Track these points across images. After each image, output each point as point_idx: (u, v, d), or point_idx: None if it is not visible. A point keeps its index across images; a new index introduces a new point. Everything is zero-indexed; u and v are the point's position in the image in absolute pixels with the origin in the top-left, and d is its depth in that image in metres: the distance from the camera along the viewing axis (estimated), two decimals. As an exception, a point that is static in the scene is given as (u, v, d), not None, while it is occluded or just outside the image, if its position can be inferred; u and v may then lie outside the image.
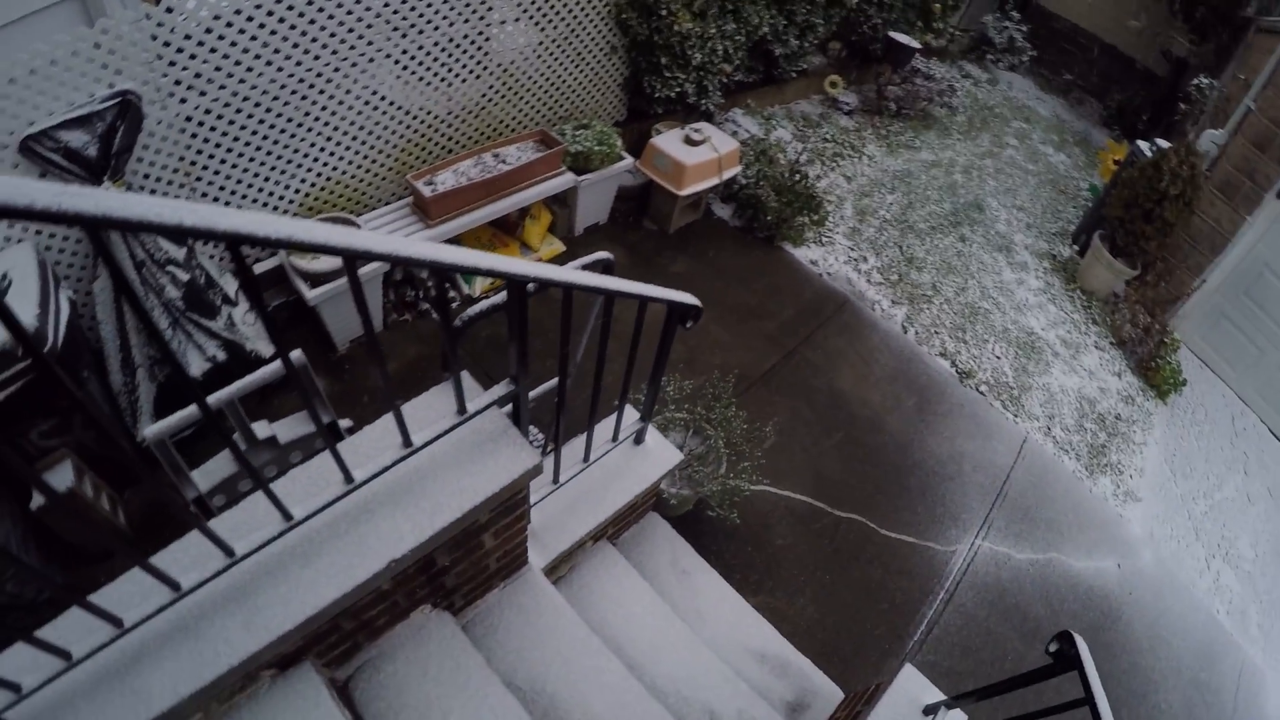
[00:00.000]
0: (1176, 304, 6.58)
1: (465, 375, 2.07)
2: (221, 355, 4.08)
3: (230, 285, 4.28)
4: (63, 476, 3.56)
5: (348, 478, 1.86)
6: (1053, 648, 2.05)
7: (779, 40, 6.30)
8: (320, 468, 1.92)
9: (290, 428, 3.33)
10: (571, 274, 2.03)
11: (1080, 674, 1.93)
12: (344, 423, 3.56)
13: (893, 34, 7.32)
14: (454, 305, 4.75)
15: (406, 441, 1.95)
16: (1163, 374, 6.08)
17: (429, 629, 2.45)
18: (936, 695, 2.89)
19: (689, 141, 5.18)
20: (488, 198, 4.57)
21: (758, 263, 5.49)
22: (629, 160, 5.12)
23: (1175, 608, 4.81)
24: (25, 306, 3.29)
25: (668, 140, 5.18)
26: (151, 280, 3.89)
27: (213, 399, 2.79)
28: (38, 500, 3.46)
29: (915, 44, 7.30)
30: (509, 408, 2.23)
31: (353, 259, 1.33)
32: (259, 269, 4.49)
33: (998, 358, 5.73)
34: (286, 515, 1.77)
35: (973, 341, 5.74)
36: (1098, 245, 6.46)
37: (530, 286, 1.88)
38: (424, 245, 1.48)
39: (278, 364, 2.96)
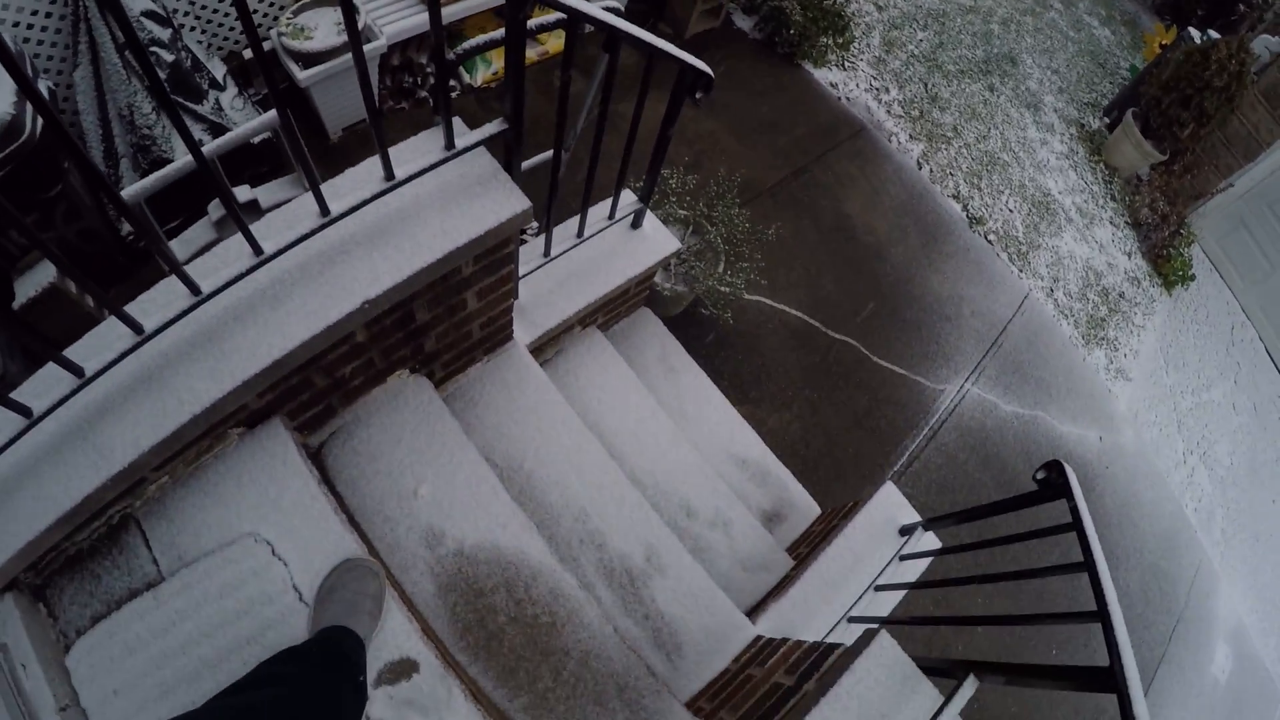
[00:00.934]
0: (1199, 201, 6.35)
1: (456, 120, 1.85)
2: (208, 139, 3.82)
3: (218, 69, 4.03)
4: (44, 273, 3.40)
5: (323, 210, 1.69)
6: (1040, 475, 1.96)
7: None
8: (297, 208, 1.75)
9: (272, 192, 3.13)
10: (581, 4, 1.77)
11: (1069, 501, 1.84)
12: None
13: None
14: (455, 95, 4.42)
15: (389, 175, 1.78)
16: (1173, 265, 5.92)
17: (406, 394, 2.31)
18: (913, 517, 2.83)
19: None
20: (495, -33, 4.18)
21: (775, 78, 5.14)
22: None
23: (1147, 493, 4.80)
24: (1, 96, 3.04)
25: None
26: (134, 64, 3.60)
27: (189, 162, 2.59)
28: (21, 299, 3.31)
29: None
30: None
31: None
32: (250, 54, 4.16)
33: (1010, 210, 5.51)
34: (257, 249, 1.63)
35: (987, 190, 5.50)
36: (1129, 122, 6.15)
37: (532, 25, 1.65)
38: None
39: (267, 117, 2.75)
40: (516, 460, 2.57)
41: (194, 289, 1.56)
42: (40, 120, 3.12)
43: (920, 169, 5.27)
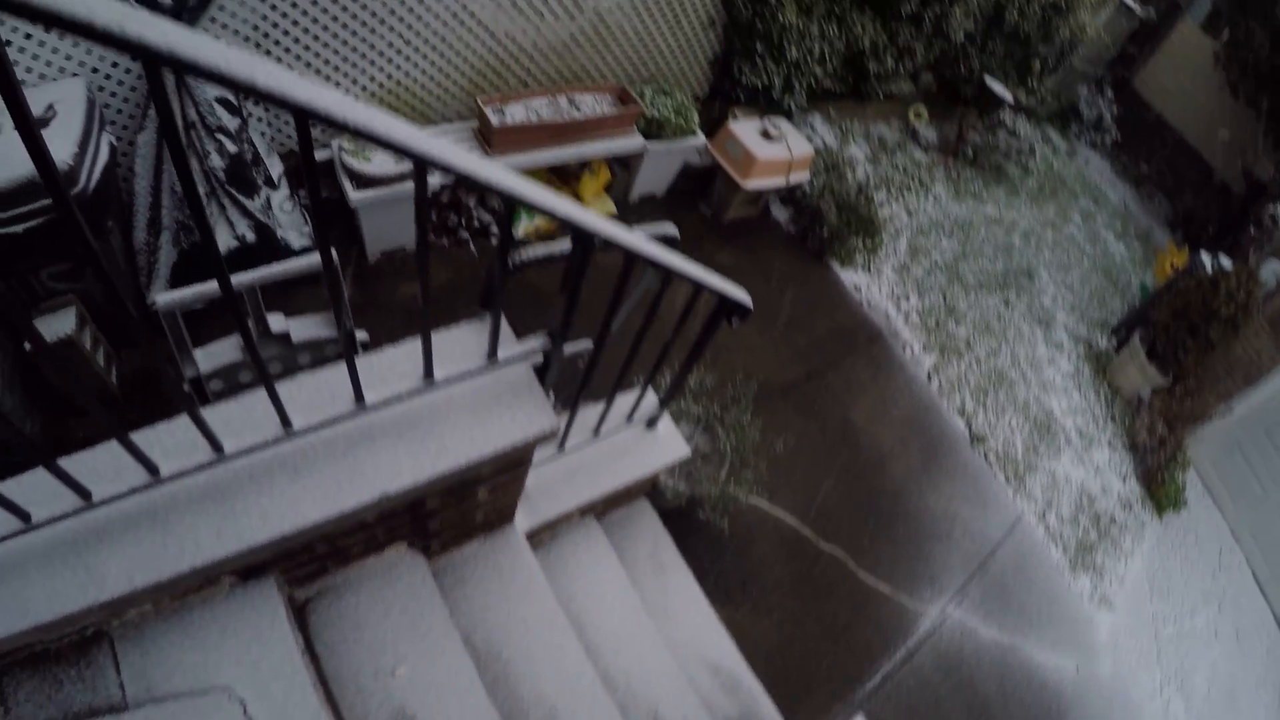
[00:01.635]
0: (1197, 424, 6.46)
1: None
2: (251, 236, 3.97)
3: (276, 167, 4.17)
4: (64, 323, 3.47)
5: (359, 398, 1.75)
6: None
7: (876, 57, 6.13)
8: (330, 380, 1.81)
9: (305, 327, 3.23)
10: (642, 241, 1.91)
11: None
12: (360, 334, 3.44)
13: (988, 80, 7.13)
14: (495, 242, 4.61)
15: (429, 374, 1.84)
16: (1166, 490, 5.98)
17: (400, 568, 2.35)
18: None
19: (765, 135, 5.03)
20: (554, 141, 4.43)
21: (803, 274, 5.36)
22: (701, 138, 4.98)
23: (1120, 727, 4.74)
24: (64, 143, 3.18)
25: (744, 128, 5.03)
26: (198, 145, 3.77)
27: (236, 280, 2.68)
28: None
29: (1009, 97, 7.11)
30: (538, 360, 2.12)
31: (425, 166, 1.22)
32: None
33: (1012, 430, 5.62)
34: (285, 422, 1.67)
35: (992, 408, 5.63)
36: (1136, 345, 6.34)
37: (598, 242, 1.77)
38: (503, 172, 1.37)
39: (311, 259, 2.85)
40: (496, 647, 2.60)
41: (216, 446, 1.59)
42: (94, 177, 3.24)
43: (930, 381, 5.41)
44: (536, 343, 2.06)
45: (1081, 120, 9.68)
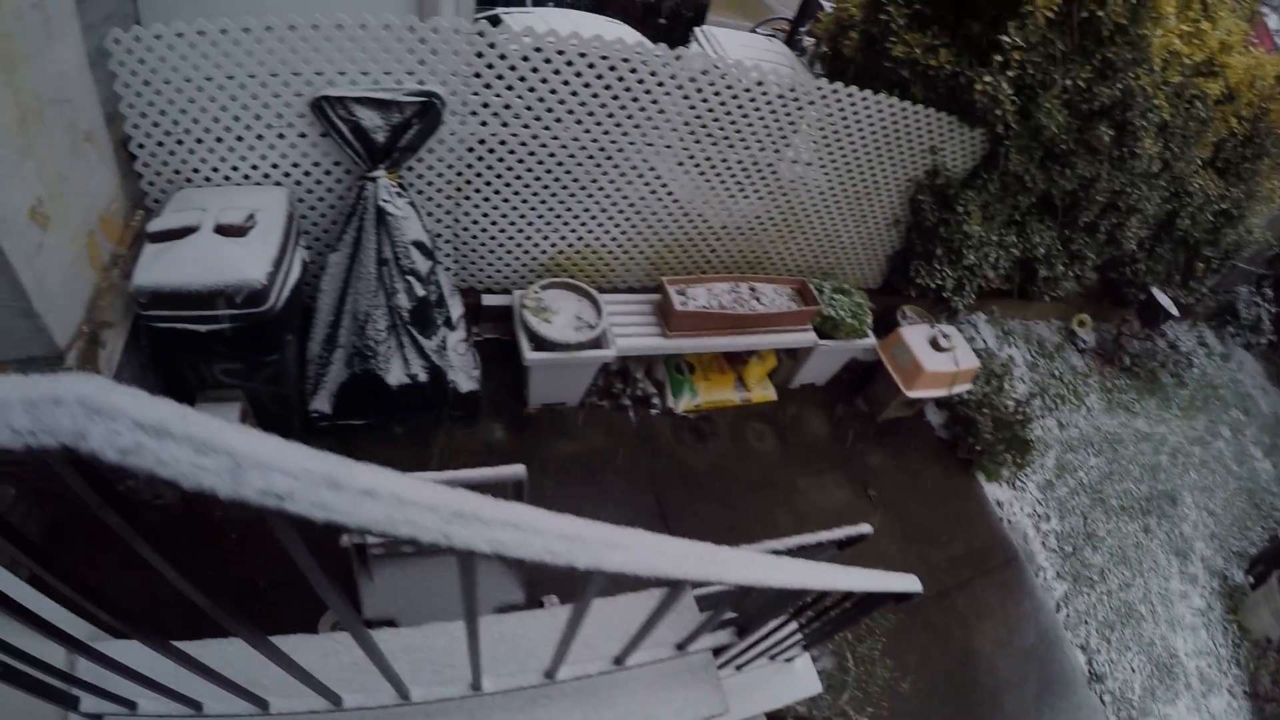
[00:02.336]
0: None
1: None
2: (423, 376, 4.13)
3: (456, 308, 4.34)
4: (227, 417, 3.63)
5: (550, 673, 1.80)
6: None
7: (1047, 263, 6.08)
8: (519, 635, 1.88)
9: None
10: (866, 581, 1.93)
11: None
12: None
13: (1155, 291, 6.98)
14: (654, 412, 4.69)
15: (620, 660, 1.90)
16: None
17: None
18: None
19: (934, 345, 5.01)
20: (731, 330, 4.52)
21: (948, 484, 5.29)
22: (871, 340, 5.00)
23: None
24: (261, 258, 3.36)
25: (914, 336, 5.02)
26: (387, 282, 3.95)
27: (419, 477, 2.77)
28: None
29: (1174, 310, 6.94)
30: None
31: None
32: (489, 300, 4.53)
33: (1133, 670, 5.39)
34: (476, 683, 1.71)
35: (1116, 644, 5.41)
36: (1274, 586, 6.03)
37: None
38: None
39: (512, 470, 2.92)
40: None
41: (401, 691, 1.62)
42: (283, 295, 3.41)
43: (1058, 611, 5.25)
44: (725, 636, 2.10)
45: (1239, 320, 9.36)
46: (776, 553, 3.08)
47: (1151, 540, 6.17)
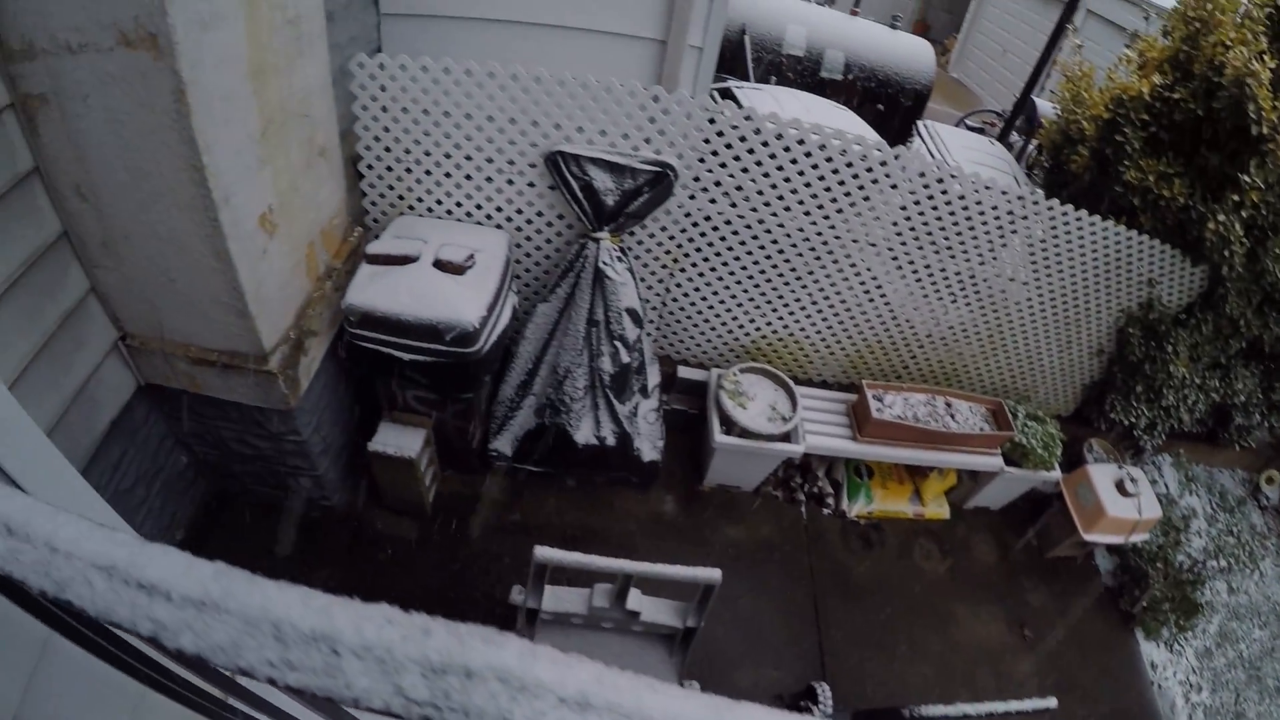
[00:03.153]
0: None
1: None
2: (611, 440, 4.13)
3: (653, 378, 4.31)
4: (412, 442, 3.74)
5: None
6: None
7: (1245, 411, 5.73)
8: None
9: (657, 611, 3.22)
10: None
11: None
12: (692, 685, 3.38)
13: (1354, 454, 6.53)
14: (826, 512, 4.58)
15: None
16: None
17: None
18: None
19: (1120, 488, 4.77)
20: (921, 444, 4.39)
21: (1106, 636, 5.03)
22: (1057, 474, 4.78)
23: None
24: (478, 297, 3.41)
25: (1101, 476, 4.78)
26: (594, 343, 3.94)
27: (611, 563, 2.77)
28: (378, 444, 3.71)
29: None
30: None
31: None
32: (685, 372, 4.50)
33: None
34: None
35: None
36: None
37: None
38: None
39: (708, 573, 2.84)
40: None
41: None
42: (491, 340, 3.47)
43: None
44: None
45: None
46: (967, 716, 2.97)
47: (1301, 725, 5.77)
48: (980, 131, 8.36)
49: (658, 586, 2.95)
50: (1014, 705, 2.74)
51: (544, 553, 2.76)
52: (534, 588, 3.05)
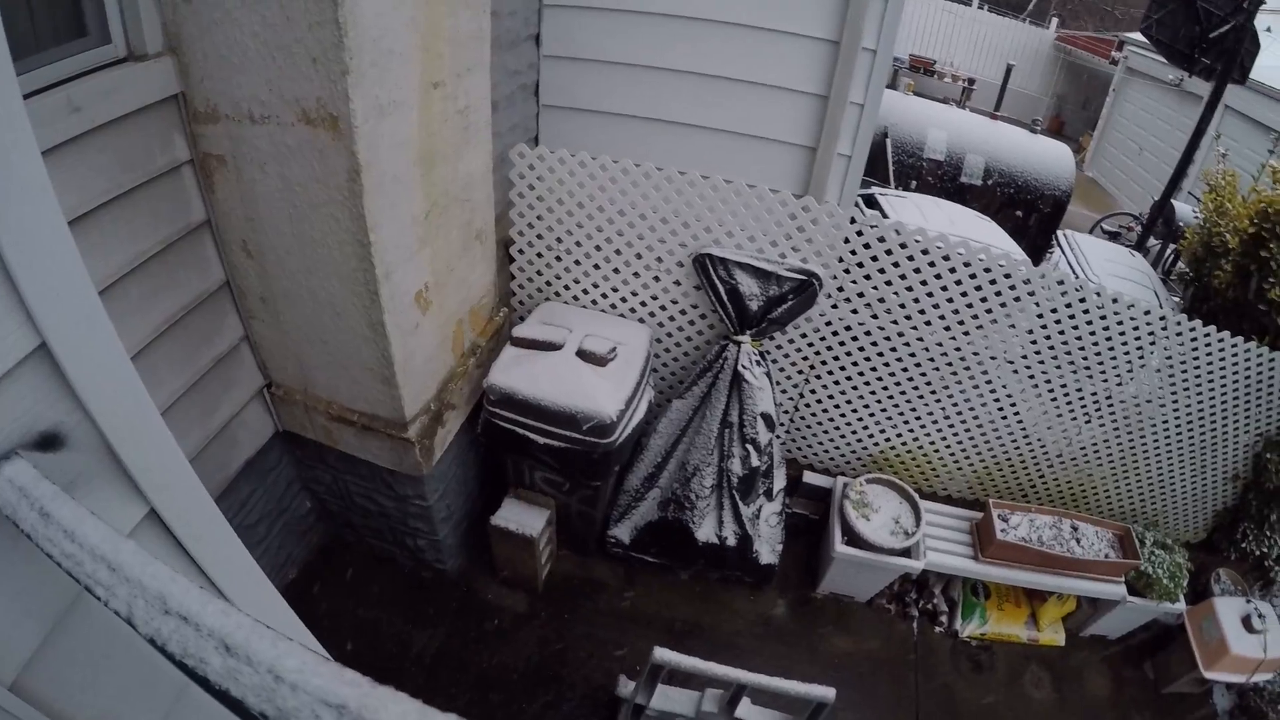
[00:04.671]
0: None
1: None
2: (731, 540, 4.12)
3: (779, 482, 4.30)
4: (535, 521, 3.78)
5: None
6: None
7: (1387, 543, 5.48)
8: None
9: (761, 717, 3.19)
10: None
11: None
12: None
13: None
14: (938, 630, 4.48)
15: None
16: None
17: None
18: None
19: (1247, 624, 4.57)
20: (1043, 568, 4.27)
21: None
22: (1182, 606, 4.61)
23: None
24: (618, 391, 3.46)
25: (1227, 610, 4.60)
26: (725, 444, 3.95)
27: (729, 671, 2.77)
28: (500, 519, 3.78)
29: None
30: None
31: None
32: (810, 477, 4.48)
33: None
34: None
35: None
36: None
37: None
38: None
39: (808, 688, 2.79)
40: None
41: None
42: (625, 433, 3.50)
43: None
44: None
45: None
46: None
47: None
48: (1117, 235, 8.16)
49: (769, 698, 2.95)
50: None
51: (663, 654, 2.79)
52: (646, 685, 3.06)
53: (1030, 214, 7.39)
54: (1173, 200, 7.39)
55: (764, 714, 3.17)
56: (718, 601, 4.31)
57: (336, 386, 3.15)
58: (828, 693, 2.80)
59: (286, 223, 2.59)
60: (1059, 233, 6.39)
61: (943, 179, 7.34)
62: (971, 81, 15.27)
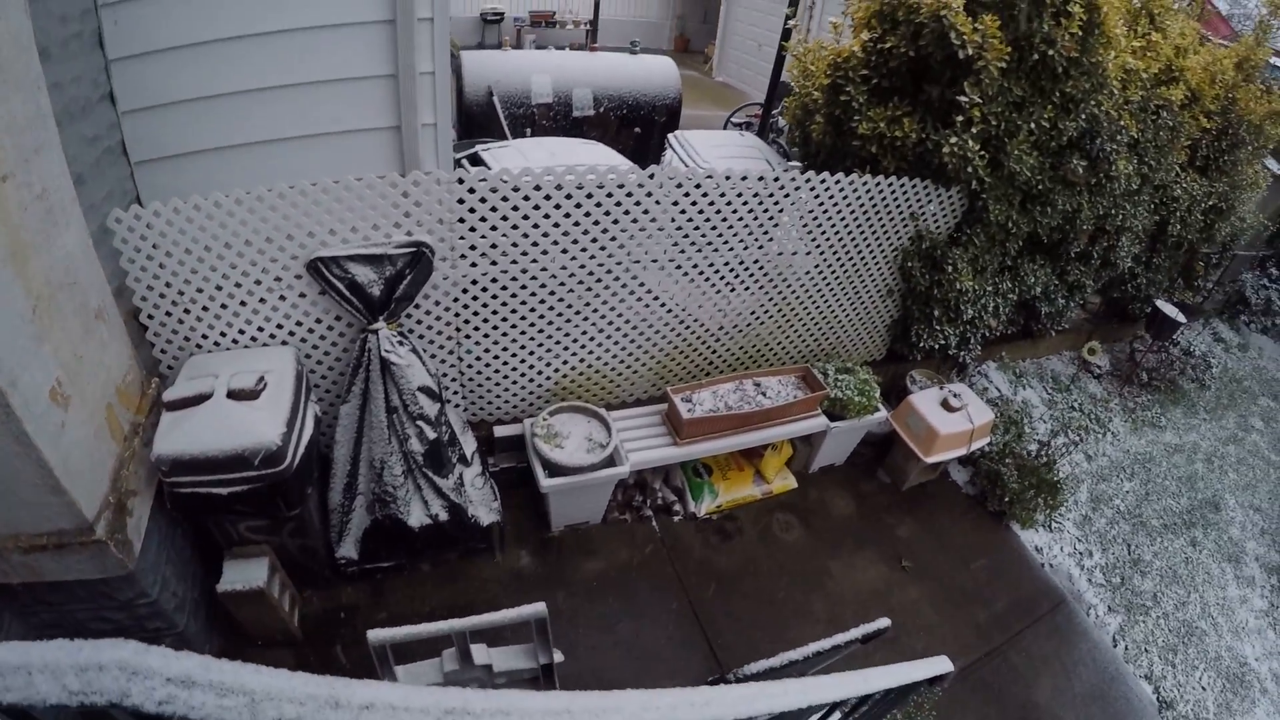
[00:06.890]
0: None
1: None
2: (444, 515, 4.21)
3: (469, 445, 4.43)
4: (256, 573, 3.75)
5: None
6: None
7: (1047, 299, 6.13)
8: None
9: (507, 658, 3.30)
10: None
11: None
12: (557, 655, 3.49)
13: (1160, 304, 6.98)
14: (676, 519, 4.73)
15: None
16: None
17: None
18: None
19: (946, 406, 5.06)
20: (742, 429, 4.59)
21: (983, 540, 5.28)
22: (883, 413, 5.05)
23: None
24: (275, 417, 3.48)
25: (925, 401, 5.07)
26: (399, 428, 4.04)
27: (448, 625, 2.85)
28: (225, 583, 3.68)
29: (1181, 318, 6.93)
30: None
31: None
32: (501, 431, 4.62)
33: (1203, 689, 5.28)
34: None
35: (1181, 667, 5.32)
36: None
37: None
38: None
39: (533, 610, 2.95)
40: None
41: None
42: (298, 454, 3.51)
43: (1115, 645, 5.19)
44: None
45: (1250, 307, 9.32)
46: (794, 663, 3.11)
47: (1200, 552, 6.10)
48: (748, 125, 8.78)
49: (504, 635, 3.08)
50: (842, 638, 2.88)
51: (376, 635, 2.82)
52: (383, 672, 3.12)
53: (650, 128, 7.93)
54: (785, 80, 8.10)
55: (505, 653, 3.27)
56: (466, 576, 4.39)
57: (14, 516, 3.00)
58: (537, 608, 2.93)
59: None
60: (670, 135, 6.85)
61: (556, 119, 7.74)
62: (592, 23, 16.44)
